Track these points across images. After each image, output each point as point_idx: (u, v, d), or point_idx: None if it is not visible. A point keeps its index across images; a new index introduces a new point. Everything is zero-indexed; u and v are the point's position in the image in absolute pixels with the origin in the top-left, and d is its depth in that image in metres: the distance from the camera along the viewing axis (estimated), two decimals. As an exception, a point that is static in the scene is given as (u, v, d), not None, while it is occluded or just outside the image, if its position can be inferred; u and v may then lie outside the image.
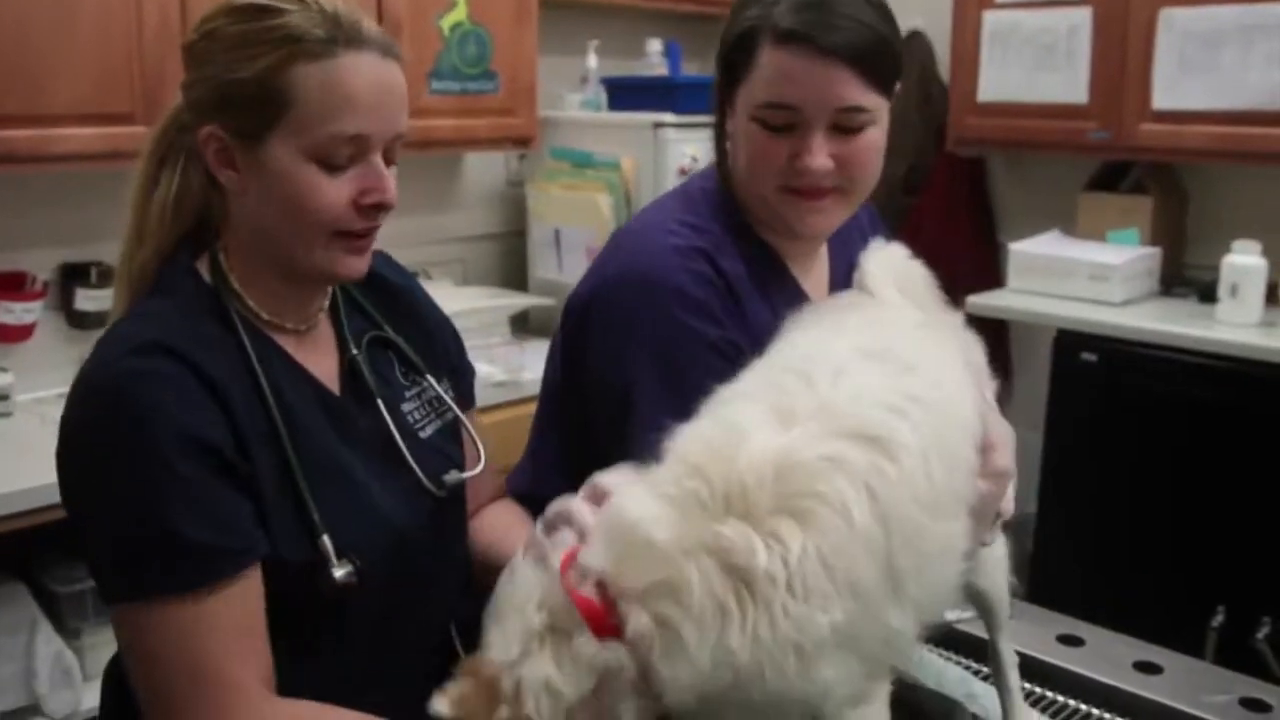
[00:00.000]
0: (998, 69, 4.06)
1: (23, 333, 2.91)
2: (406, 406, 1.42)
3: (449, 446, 1.45)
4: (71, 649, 2.55)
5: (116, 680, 1.38)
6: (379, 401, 1.36)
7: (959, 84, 4.18)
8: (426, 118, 3.30)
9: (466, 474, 1.43)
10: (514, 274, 4.11)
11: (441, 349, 1.52)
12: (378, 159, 1.24)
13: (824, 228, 1.47)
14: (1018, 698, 1.45)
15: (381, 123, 1.22)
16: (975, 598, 1.40)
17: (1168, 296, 3.88)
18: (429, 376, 1.45)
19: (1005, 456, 1.24)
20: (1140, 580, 3.51)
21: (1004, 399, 4.29)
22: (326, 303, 1.39)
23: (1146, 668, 1.67)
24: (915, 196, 4.44)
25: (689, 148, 3.51)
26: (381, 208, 1.26)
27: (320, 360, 1.35)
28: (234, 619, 1.15)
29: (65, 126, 2.56)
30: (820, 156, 1.37)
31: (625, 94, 3.83)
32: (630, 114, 3.69)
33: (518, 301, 3.74)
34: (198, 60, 1.24)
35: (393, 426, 1.35)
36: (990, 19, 4.05)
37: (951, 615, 1.80)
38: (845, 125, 1.37)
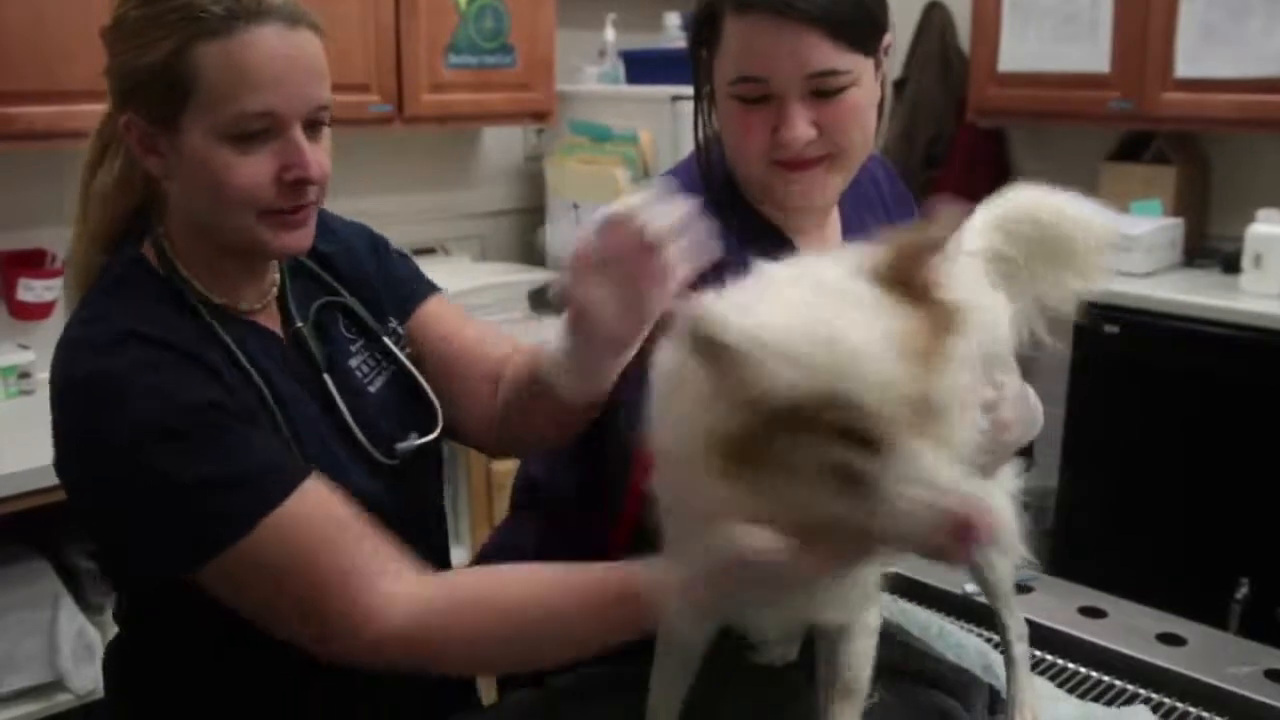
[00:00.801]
0: (1018, 39, 4.03)
1: (43, 310, 2.92)
2: (354, 362, 1.39)
3: (403, 402, 1.41)
4: (94, 625, 2.57)
5: (120, 662, 1.38)
6: (325, 377, 1.33)
7: (979, 54, 4.15)
8: (444, 92, 3.30)
9: (419, 440, 1.39)
10: (532, 249, 4.10)
11: (377, 280, 1.47)
12: (296, 134, 1.20)
13: (817, 198, 1.41)
14: (1023, 670, 1.43)
15: (291, 96, 1.18)
16: (978, 569, 1.38)
17: (1191, 267, 3.85)
18: (376, 328, 1.43)
19: (1008, 410, 1.25)
20: (1163, 552, 3.49)
21: (1026, 372, 4.25)
22: (276, 278, 1.36)
23: (1170, 639, 1.66)
24: (935, 168, 4.41)
25: (707, 121, 3.49)
26: (303, 183, 1.22)
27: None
28: (318, 520, 1.15)
29: (82, 103, 2.51)
30: (800, 126, 1.31)
31: (643, 67, 3.81)
32: (648, 87, 3.67)
33: (536, 277, 3.74)
34: (111, 47, 1.22)
35: (340, 401, 1.32)
36: (1011, -12, 4.01)
37: (971, 587, 1.79)
38: (822, 90, 1.31)
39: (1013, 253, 1.37)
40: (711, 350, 0.84)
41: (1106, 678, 1.60)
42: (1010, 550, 1.34)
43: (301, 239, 1.26)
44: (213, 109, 1.16)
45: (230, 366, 1.21)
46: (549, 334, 1.26)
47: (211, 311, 1.25)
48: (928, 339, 0.86)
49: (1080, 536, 3.73)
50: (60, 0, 2.52)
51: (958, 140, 4.38)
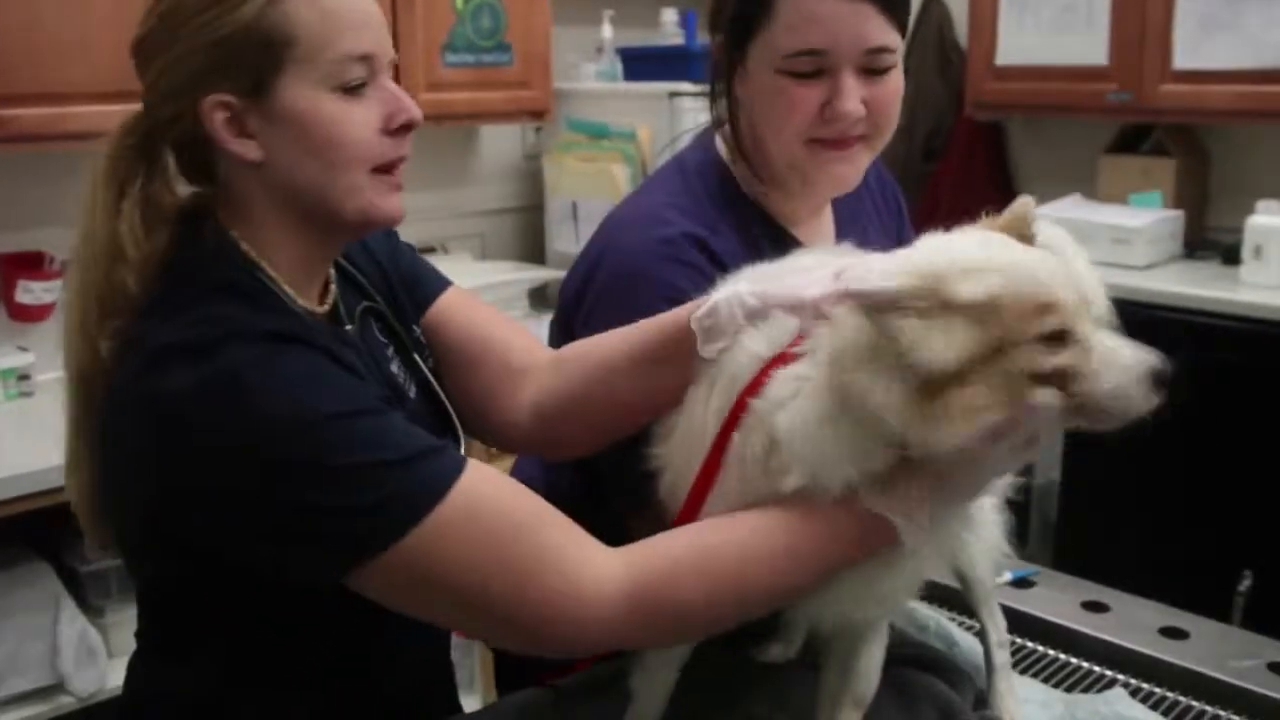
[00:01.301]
0: (1016, 32, 4.02)
1: (42, 312, 2.92)
2: (393, 367, 1.35)
3: (432, 415, 1.38)
4: (95, 627, 2.57)
5: (142, 675, 1.31)
6: (392, 369, 1.32)
7: (977, 48, 4.14)
8: (441, 91, 3.29)
9: None
10: (532, 247, 4.10)
11: (396, 280, 1.44)
12: (387, 80, 1.19)
13: (851, 178, 1.44)
14: (1003, 676, 1.40)
15: (382, 40, 1.18)
16: (958, 567, 1.36)
17: (1191, 259, 3.84)
18: (405, 337, 1.40)
19: None
20: (1165, 545, 3.49)
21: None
22: (333, 274, 1.32)
23: (1173, 633, 1.66)
24: (934, 162, 4.41)
25: (705, 116, 3.48)
26: (410, 127, 1.20)
27: None
28: (507, 492, 1.10)
29: (79, 104, 2.54)
30: (854, 100, 1.35)
31: (641, 64, 3.80)
32: (646, 84, 3.66)
33: (536, 275, 3.74)
34: (163, 44, 1.14)
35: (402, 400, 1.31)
36: (1008, -19, 4.01)
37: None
38: (873, 67, 1.36)
39: None
40: (924, 290, 0.94)
41: (1109, 672, 1.59)
42: (992, 555, 1.33)
43: (400, 204, 1.24)
44: (314, 59, 1.13)
45: (351, 359, 1.17)
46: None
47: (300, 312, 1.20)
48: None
49: (1082, 529, 3.73)
50: (57, 2, 2.52)
51: (956, 134, 4.37)
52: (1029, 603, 1.74)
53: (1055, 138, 4.35)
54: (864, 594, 1.09)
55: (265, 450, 1.04)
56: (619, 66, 3.87)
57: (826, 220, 1.56)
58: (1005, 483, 1.34)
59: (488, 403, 1.42)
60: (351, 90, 1.15)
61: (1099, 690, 1.54)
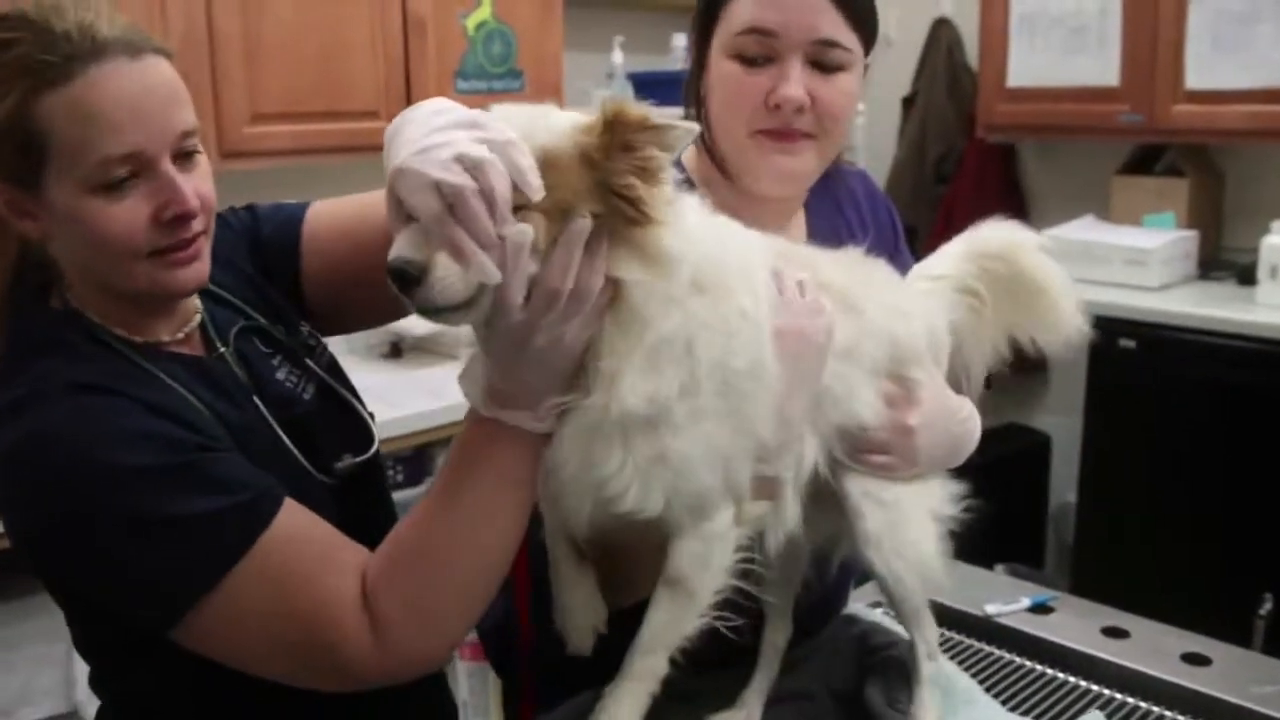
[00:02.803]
0: (1026, 54, 4.02)
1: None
2: (280, 374, 1.34)
3: (337, 414, 1.38)
4: (111, 656, 2.56)
5: None
6: (255, 400, 1.28)
7: (988, 70, 4.15)
8: (453, 117, 3.30)
9: (355, 460, 1.35)
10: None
11: (267, 275, 1.40)
12: (166, 168, 1.13)
13: (794, 173, 1.42)
14: (926, 690, 1.37)
15: (151, 131, 1.11)
16: (881, 583, 1.33)
17: (1206, 280, 3.83)
18: (291, 345, 1.38)
19: (914, 416, 1.28)
20: (1184, 569, 3.46)
21: (1041, 388, 4.26)
22: (198, 304, 1.30)
23: (1194, 659, 1.64)
24: (946, 184, 4.41)
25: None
26: (184, 219, 1.15)
27: None
28: (297, 547, 1.11)
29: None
30: (797, 87, 1.34)
31: (651, 89, 3.80)
32: (656, 109, 3.66)
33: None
34: None
35: (274, 423, 1.27)
36: (1019, 3, 4.01)
37: (990, 608, 1.78)
38: (822, 61, 1.35)
39: (979, 288, 1.40)
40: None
41: (1131, 699, 1.58)
42: (922, 570, 1.31)
43: (197, 272, 1.19)
44: (73, 163, 1.09)
45: (177, 398, 1.17)
46: None
47: (137, 350, 1.19)
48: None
49: (1099, 553, 3.71)
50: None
51: (967, 156, 4.37)
52: (1048, 629, 1.73)
53: (1067, 159, 4.34)
54: (581, 485, 1.09)
55: (66, 505, 1.08)
56: (630, 92, 3.88)
57: (797, 236, 1.54)
58: (946, 511, 1.34)
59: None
60: (114, 188, 1.11)
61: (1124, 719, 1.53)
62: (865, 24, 1.38)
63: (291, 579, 1.09)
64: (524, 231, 0.96)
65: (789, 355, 1.15)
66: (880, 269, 1.38)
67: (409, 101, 3.43)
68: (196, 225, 1.17)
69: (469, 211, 0.94)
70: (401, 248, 0.96)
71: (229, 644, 1.12)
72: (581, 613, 1.25)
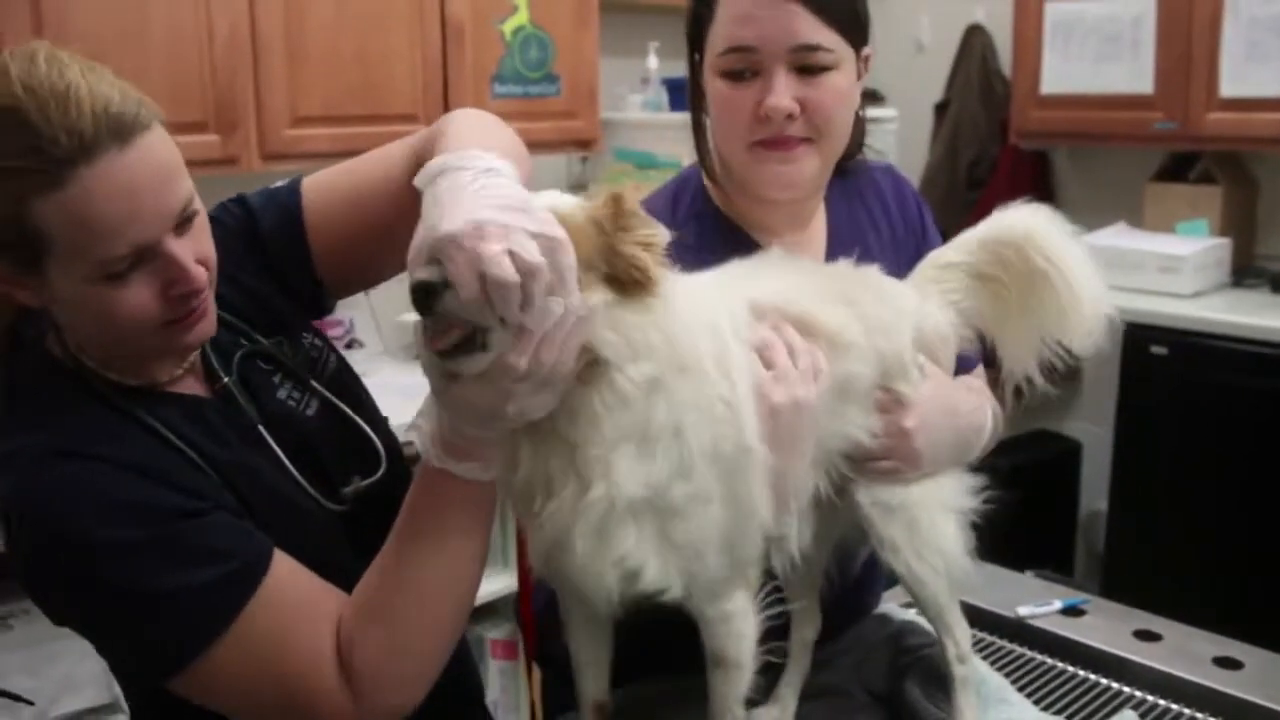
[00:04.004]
0: (1060, 61, 4.03)
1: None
2: (281, 394, 1.33)
3: (342, 431, 1.37)
4: (152, 648, 2.59)
5: None
6: (261, 430, 1.27)
7: (1021, 77, 4.15)
8: (490, 122, 3.32)
9: (364, 483, 1.34)
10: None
11: (272, 280, 1.38)
12: (168, 248, 1.10)
13: (795, 179, 1.42)
14: (963, 693, 1.38)
15: (150, 221, 1.08)
16: (904, 585, 1.36)
17: (1239, 287, 3.83)
18: (294, 366, 1.36)
19: (910, 418, 1.30)
20: (1216, 574, 3.46)
21: (1072, 394, 4.24)
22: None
23: (1226, 663, 1.65)
24: (979, 190, 4.41)
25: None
26: (192, 295, 1.14)
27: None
28: (280, 611, 1.13)
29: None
30: (783, 96, 1.35)
31: (686, 94, 3.83)
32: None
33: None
34: None
35: (280, 454, 1.27)
36: (1052, 10, 4.01)
37: (1024, 610, 1.79)
38: (806, 65, 1.36)
39: (998, 274, 1.39)
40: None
41: (1163, 701, 1.59)
42: (945, 568, 1.33)
43: (206, 328, 1.18)
44: (74, 260, 1.07)
45: (167, 451, 1.16)
46: None
47: (130, 397, 1.18)
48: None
49: (1129, 559, 3.70)
50: (115, 35, 2.56)
51: (1000, 162, 4.38)
52: (1080, 631, 1.75)
53: (1100, 166, 4.34)
54: (596, 559, 1.11)
55: (54, 574, 1.11)
56: (665, 96, 3.90)
57: (815, 232, 1.56)
58: (962, 503, 1.35)
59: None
60: (118, 277, 1.09)
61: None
62: (845, 21, 1.38)
63: (270, 644, 1.12)
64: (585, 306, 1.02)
65: (784, 430, 1.18)
66: (868, 281, 1.37)
67: (447, 106, 3.46)
68: (203, 291, 1.16)
69: (507, 301, 0.97)
70: (426, 272, 0.99)
71: (214, 700, 1.16)
72: (593, 668, 1.31)
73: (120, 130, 1.05)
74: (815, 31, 1.35)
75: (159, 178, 1.09)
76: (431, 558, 1.14)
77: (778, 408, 1.17)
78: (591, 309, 1.03)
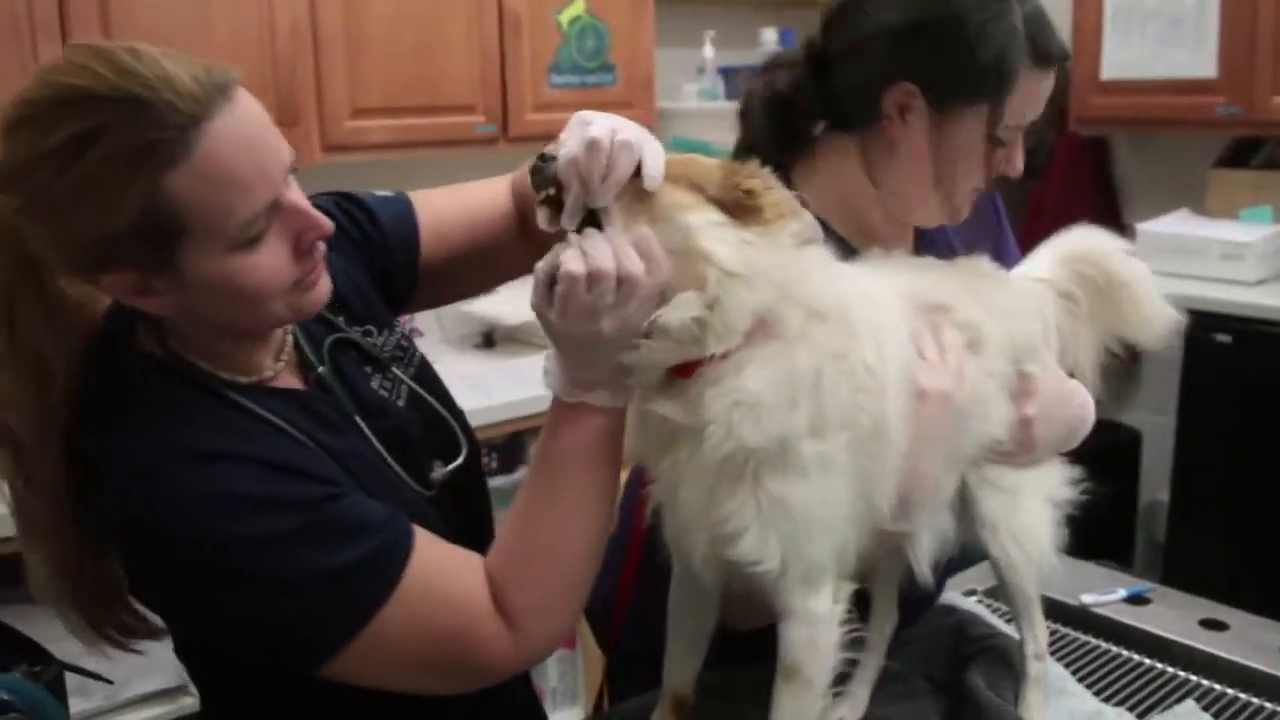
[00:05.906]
0: (1121, 46, 3.98)
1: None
2: (374, 384, 1.35)
3: (428, 420, 1.38)
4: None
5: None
6: (358, 420, 1.28)
7: (1081, 63, 4.10)
8: (547, 112, 3.34)
9: (448, 468, 1.35)
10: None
11: (376, 273, 1.42)
12: (290, 199, 1.11)
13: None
14: (1034, 691, 1.37)
15: (275, 173, 1.09)
16: (996, 568, 1.34)
17: (1303, 275, 3.77)
18: (381, 356, 1.38)
19: (1031, 406, 1.30)
20: (1277, 563, 3.42)
21: (1134, 383, 4.21)
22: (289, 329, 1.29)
23: (1296, 653, 1.64)
24: (1036, 178, 4.37)
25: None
26: (321, 239, 1.15)
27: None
28: (434, 570, 1.15)
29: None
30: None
31: (742, 82, 3.83)
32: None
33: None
34: (35, 219, 1.06)
35: (377, 442, 1.28)
36: (1113, -4, 3.97)
37: (1087, 598, 1.79)
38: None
39: (1074, 290, 1.41)
40: None
41: (1230, 690, 1.58)
42: (1038, 557, 1.32)
43: (326, 286, 1.20)
44: (214, 230, 1.06)
45: (291, 442, 1.17)
46: None
47: (245, 394, 1.18)
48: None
49: (1191, 549, 3.67)
50: (177, 30, 2.61)
51: (1059, 149, 4.33)
52: (1145, 619, 1.74)
53: (1162, 152, 4.29)
54: (700, 519, 1.12)
55: (199, 575, 1.10)
56: (720, 85, 3.91)
57: (906, 231, 1.56)
58: (1062, 495, 1.35)
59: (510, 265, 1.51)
60: (257, 240, 1.09)
61: (1221, 710, 1.53)
62: None
63: (431, 603, 1.14)
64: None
65: (927, 419, 1.17)
66: (982, 270, 1.38)
67: (505, 97, 3.49)
68: (322, 247, 1.18)
69: (594, 161, 1.07)
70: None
71: (377, 672, 1.15)
72: (684, 658, 1.31)
73: (223, 86, 1.06)
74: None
75: (267, 127, 1.10)
76: (565, 491, 1.17)
77: (926, 392, 1.17)
78: (690, 221, 1.07)
